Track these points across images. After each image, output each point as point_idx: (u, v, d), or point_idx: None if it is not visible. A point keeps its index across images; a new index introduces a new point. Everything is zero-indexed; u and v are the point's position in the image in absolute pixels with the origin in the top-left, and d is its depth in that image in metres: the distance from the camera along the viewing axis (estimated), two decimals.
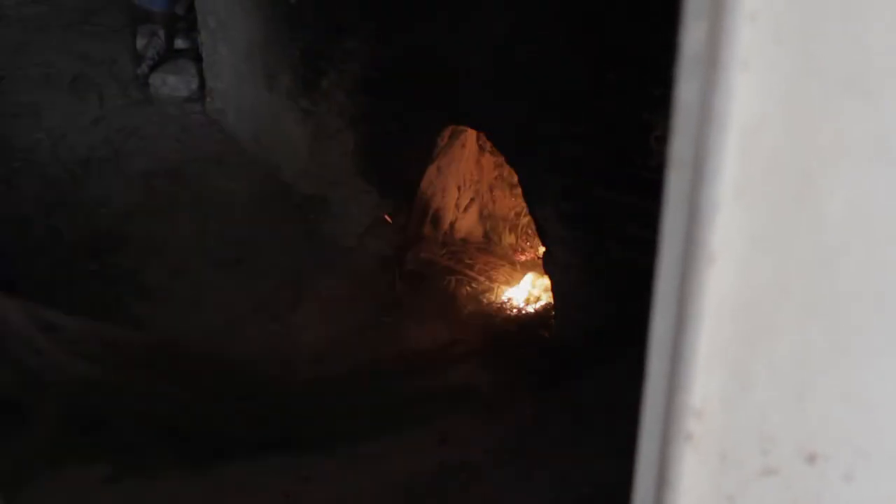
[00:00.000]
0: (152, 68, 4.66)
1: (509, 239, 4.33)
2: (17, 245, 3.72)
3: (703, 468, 0.77)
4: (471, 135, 4.01)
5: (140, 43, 4.80)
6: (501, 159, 3.81)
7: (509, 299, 4.06)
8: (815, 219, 0.73)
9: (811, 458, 0.81)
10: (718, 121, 0.65)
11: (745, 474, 0.80)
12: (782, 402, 0.79)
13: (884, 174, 0.72)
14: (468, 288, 4.07)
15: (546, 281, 3.60)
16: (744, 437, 0.78)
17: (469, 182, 4.22)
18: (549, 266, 3.32)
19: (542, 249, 3.46)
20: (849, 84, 0.68)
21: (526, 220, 4.11)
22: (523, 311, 3.98)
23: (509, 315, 3.97)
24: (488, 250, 4.34)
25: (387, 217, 3.80)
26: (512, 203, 4.33)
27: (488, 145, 3.95)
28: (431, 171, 3.87)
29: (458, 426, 3.22)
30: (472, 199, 4.26)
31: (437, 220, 4.07)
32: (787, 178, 0.71)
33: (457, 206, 4.18)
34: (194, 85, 4.60)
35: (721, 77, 0.65)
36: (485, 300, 4.04)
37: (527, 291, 4.08)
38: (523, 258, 4.25)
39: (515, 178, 3.63)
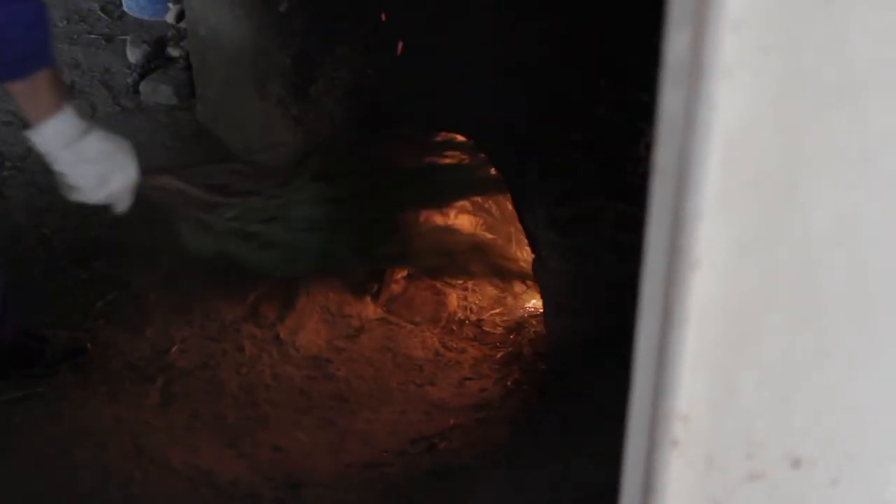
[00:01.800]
0: (143, 77, 4.66)
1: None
2: (8, 253, 3.71)
3: (689, 473, 0.78)
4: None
5: (131, 52, 4.80)
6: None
7: (501, 305, 4.06)
8: (801, 226, 0.73)
9: (797, 463, 0.82)
10: (702, 129, 0.66)
11: (732, 479, 0.80)
12: (768, 406, 0.80)
13: (870, 183, 0.73)
14: (459, 294, 4.07)
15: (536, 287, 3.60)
16: (730, 442, 0.79)
17: None
18: (539, 272, 3.32)
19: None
20: (835, 92, 0.69)
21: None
22: (515, 317, 3.98)
23: (500, 321, 3.97)
24: (480, 256, 4.34)
25: None
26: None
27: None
28: None
29: (449, 432, 3.22)
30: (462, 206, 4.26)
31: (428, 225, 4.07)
32: (773, 187, 0.71)
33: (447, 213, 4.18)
34: (185, 93, 4.60)
35: (705, 85, 0.65)
36: (475, 306, 4.04)
37: (519, 297, 4.07)
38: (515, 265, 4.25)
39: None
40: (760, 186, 0.70)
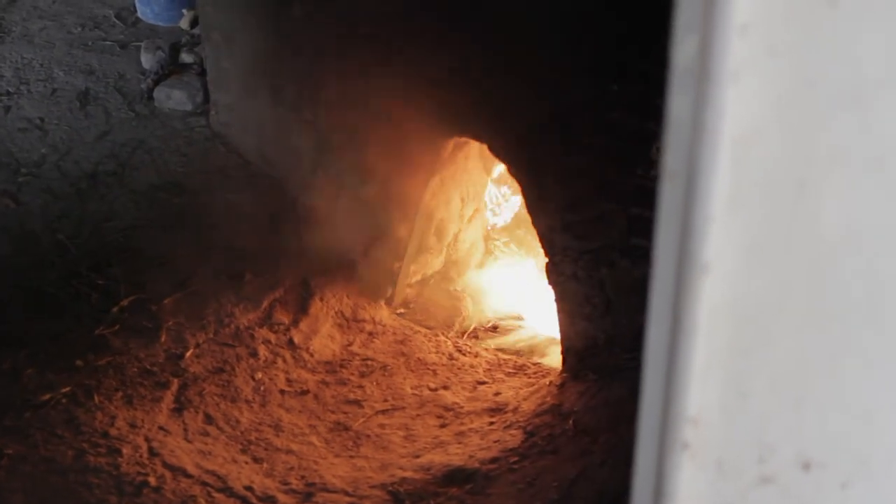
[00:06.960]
0: (157, 83, 4.68)
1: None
2: (25, 259, 3.73)
3: (700, 477, 0.78)
4: (474, 146, 4.01)
5: (145, 58, 4.82)
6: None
7: (515, 310, 4.06)
8: (809, 229, 0.73)
9: (808, 466, 0.82)
10: (710, 133, 0.66)
11: (743, 483, 0.80)
12: (779, 410, 0.80)
13: (877, 185, 0.73)
14: (472, 299, 4.07)
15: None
16: (741, 446, 0.79)
17: (472, 193, 4.23)
18: (552, 277, 3.32)
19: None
20: (841, 95, 0.69)
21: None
22: (528, 321, 3.98)
23: (514, 325, 3.97)
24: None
25: None
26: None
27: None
28: (435, 182, 3.87)
29: (463, 434, 3.23)
30: (475, 210, 4.26)
31: (440, 231, 4.08)
32: (781, 190, 0.71)
33: (460, 216, 4.18)
34: (199, 99, 4.61)
35: (712, 89, 0.65)
36: (490, 310, 4.05)
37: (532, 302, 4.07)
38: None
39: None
40: (769, 190, 0.70)
